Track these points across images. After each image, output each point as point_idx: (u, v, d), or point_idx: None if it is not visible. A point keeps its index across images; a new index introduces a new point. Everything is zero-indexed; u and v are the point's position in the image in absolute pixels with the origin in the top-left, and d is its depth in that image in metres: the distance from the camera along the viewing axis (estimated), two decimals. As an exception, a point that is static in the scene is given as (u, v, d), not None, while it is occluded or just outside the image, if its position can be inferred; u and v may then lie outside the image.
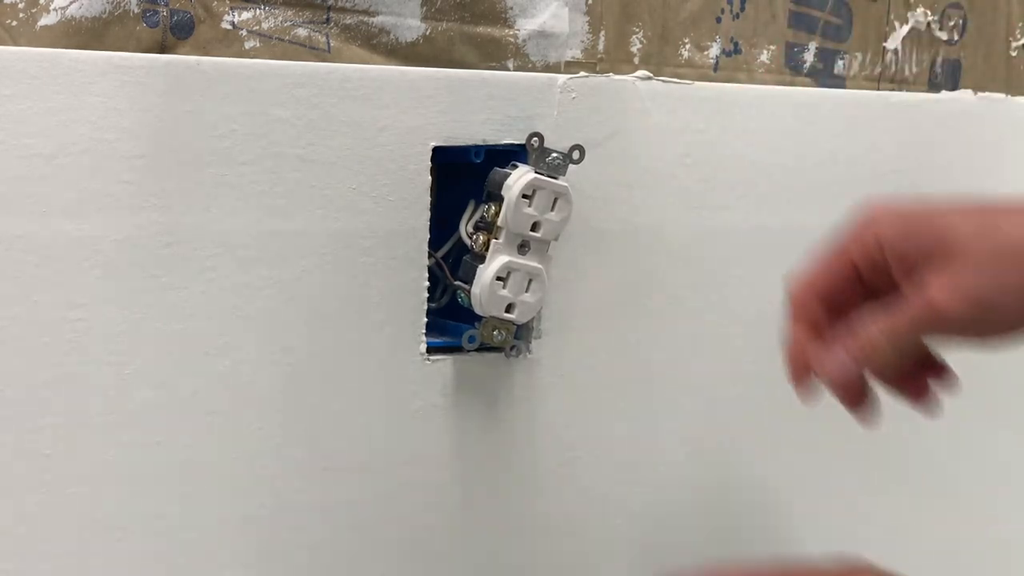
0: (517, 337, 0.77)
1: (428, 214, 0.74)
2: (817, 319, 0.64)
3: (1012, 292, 0.59)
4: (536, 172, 0.74)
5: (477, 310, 0.75)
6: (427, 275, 0.75)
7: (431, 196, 0.74)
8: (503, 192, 0.74)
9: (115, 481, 0.68)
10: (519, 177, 0.74)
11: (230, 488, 0.71)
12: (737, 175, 0.86)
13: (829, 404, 0.94)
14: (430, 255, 0.75)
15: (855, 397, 0.63)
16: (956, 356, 0.64)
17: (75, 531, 0.67)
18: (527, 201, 0.74)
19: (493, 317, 0.75)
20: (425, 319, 0.75)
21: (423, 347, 0.75)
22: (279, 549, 0.73)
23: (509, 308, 0.75)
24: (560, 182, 0.75)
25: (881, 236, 0.62)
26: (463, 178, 0.75)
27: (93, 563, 0.68)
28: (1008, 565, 1.02)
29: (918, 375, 0.64)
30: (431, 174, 0.74)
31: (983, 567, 0.99)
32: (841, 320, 0.63)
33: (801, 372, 0.64)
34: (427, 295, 0.75)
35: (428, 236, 0.74)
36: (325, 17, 0.73)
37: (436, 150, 0.74)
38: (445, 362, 0.76)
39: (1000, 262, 0.60)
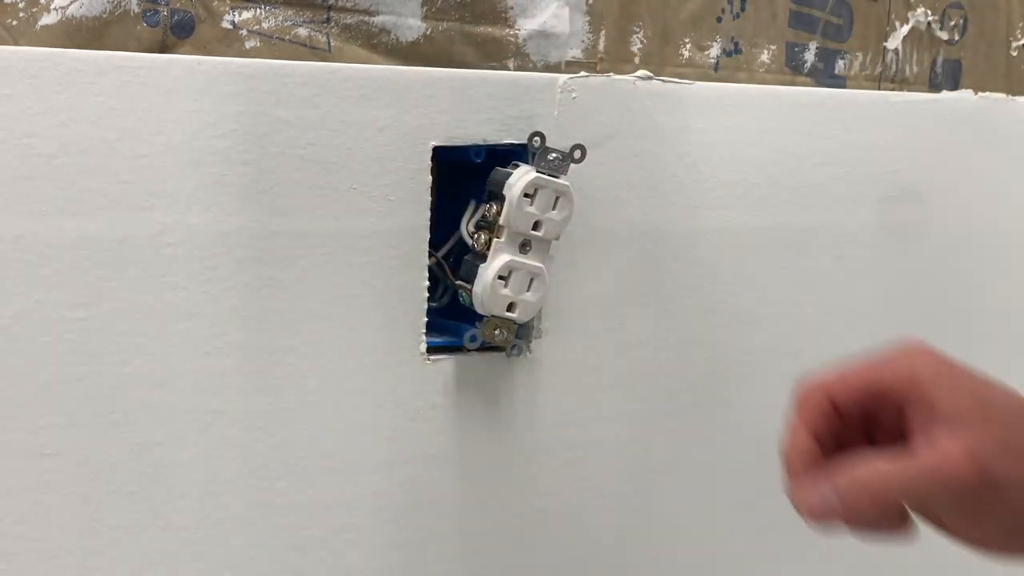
0: (518, 336, 0.77)
1: (429, 214, 0.74)
2: (820, 427, 0.60)
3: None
4: (538, 171, 0.74)
5: (479, 309, 0.75)
6: (427, 275, 0.75)
7: (432, 196, 0.74)
8: (505, 191, 0.74)
9: (115, 481, 0.68)
10: (521, 176, 0.74)
11: (230, 488, 0.71)
12: (737, 175, 0.86)
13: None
14: (431, 255, 0.75)
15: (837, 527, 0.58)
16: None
17: (75, 531, 0.67)
18: (529, 200, 0.74)
19: (495, 316, 0.75)
20: (425, 319, 0.75)
21: (423, 347, 0.75)
22: (279, 549, 0.73)
23: (510, 307, 0.75)
24: (561, 181, 0.75)
25: (917, 374, 0.58)
26: (463, 178, 0.75)
27: (93, 563, 0.68)
28: None
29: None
30: (432, 174, 0.74)
31: None
32: (838, 452, 0.59)
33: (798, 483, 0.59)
34: (427, 295, 0.75)
35: (428, 236, 0.74)
36: (325, 17, 0.73)
37: (437, 150, 0.74)
38: (445, 362, 0.76)
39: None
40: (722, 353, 0.87)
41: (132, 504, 0.68)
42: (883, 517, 0.56)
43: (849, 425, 0.60)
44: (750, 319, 0.88)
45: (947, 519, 0.57)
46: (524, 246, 0.75)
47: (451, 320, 0.77)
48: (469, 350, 0.76)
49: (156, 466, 0.68)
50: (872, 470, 0.57)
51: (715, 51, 0.88)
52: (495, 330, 0.75)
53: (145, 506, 0.68)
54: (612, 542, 0.85)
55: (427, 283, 0.75)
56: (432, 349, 0.76)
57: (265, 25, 0.71)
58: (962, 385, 0.59)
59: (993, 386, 0.59)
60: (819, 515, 0.57)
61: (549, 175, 0.74)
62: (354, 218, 0.72)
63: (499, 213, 0.74)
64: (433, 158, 0.74)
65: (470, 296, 0.75)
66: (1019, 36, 1.02)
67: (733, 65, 0.88)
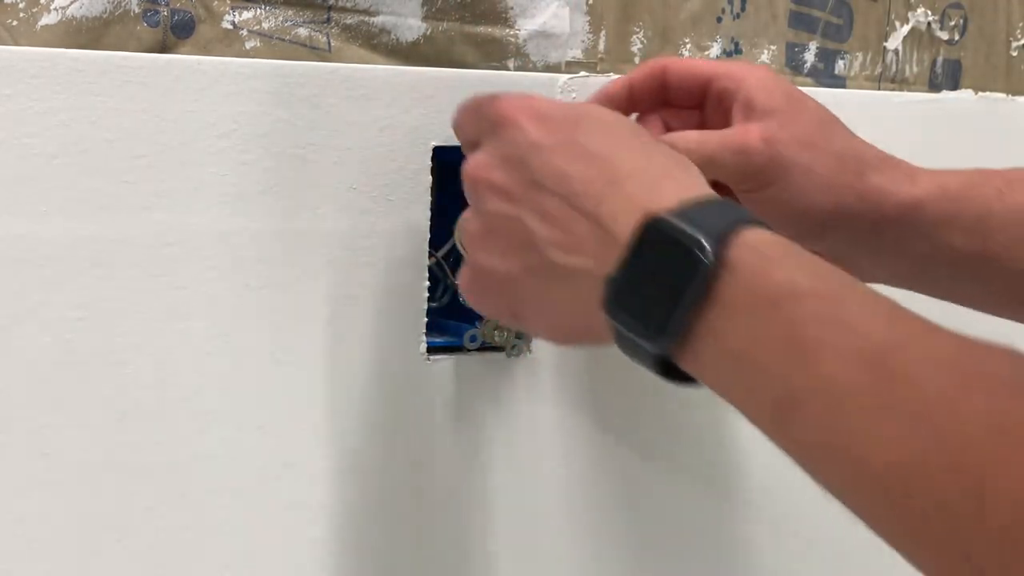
0: (518, 336, 0.77)
1: (429, 213, 0.74)
2: (644, 89, 0.72)
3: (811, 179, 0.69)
4: None
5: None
6: (427, 275, 0.75)
7: (432, 196, 0.74)
8: (505, 190, 0.74)
9: (115, 481, 0.67)
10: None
11: (230, 488, 0.71)
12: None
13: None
14: (431, 254, 0.75)
15: None
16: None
17: (75, 531, 0.67)
18: (528, 200, 0.74)
19: None
20: (425, 319, 0.75)
21: (423, 347, 0.75)
22: (279, 549, 0.73)
23: None
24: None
25: (748, 77, 0.70)
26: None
27: (93, 563, 0.68)
28: None
29: None
30: (432, 173, 0.74)
31: None
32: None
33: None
34: (427, 295, 0.75)
35: (429, 236, 0.74)
36: (326, 17, 0.73)
37: (437, 149, 0.74)
38: (445, 362, 0.76)
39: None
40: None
41: (132, 504, 0.68)
42: None
43: (679, 116, 0.71)
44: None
45: (735, 188, 0.69)
46: None
47: (451, 320, 0.77)
48: (469, 350, 0.76)
49: (156, 466, 0.68)
50: (679, 135, 0.68)
51: (715, 51, 0.88)
52: (495, 330, 0.75)
53: (145, 506, 0.68)
54: (613, 542, 0.85)
55: (427, 283, 0.75)
56: (432, 349, 0.76)
57: (265, 25, 0.71)
58: (783, 90, 0.70)
59: (810, 99, 0.71)
60: None
61: None
62: (354, 218, 0.72)
63: (499, 212, 0.74)
64: (433, 158, 0.74)
65: None
66: (1019, 36, 1.02)
67: (733, 65, 0.88)
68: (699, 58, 0.83)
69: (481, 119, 0.63)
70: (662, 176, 0.57)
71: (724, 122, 0.70)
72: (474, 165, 0.62)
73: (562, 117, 0.60)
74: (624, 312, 0.54)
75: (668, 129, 0.72)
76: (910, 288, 0.70)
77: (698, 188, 0.56)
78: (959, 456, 0.43)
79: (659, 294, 0.52)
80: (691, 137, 0.68)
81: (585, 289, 0.56)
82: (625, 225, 0.54)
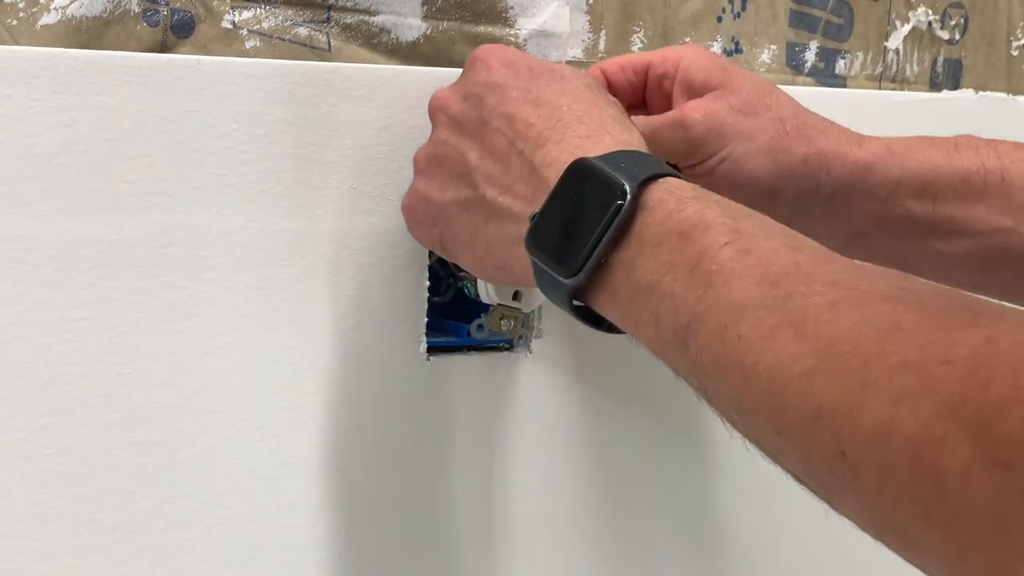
0: (524, 326, 0.77)
1: (429, 214, 0.74)
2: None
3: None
4: None
5: (484, 299, 0.75)
6: (428, 274, 0.75)
7: (432, 196, 0.74)
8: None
9: (115, 481, 0.68)
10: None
11: (230, 488, 0.71)
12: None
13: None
14: (431, 254, 0.75)
15: None
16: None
17: (75, 531, 0.67)
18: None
19: (501, 305, 0.75)
20: (426, 319, 0.75)
21: (423, 347, 0.75)
22: (279, 549, 0.73)
23: (516, 296, 0.75)
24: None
25: (683, 57, 0.72)
26: (464, 178, 0.75)
27: (93, 563, 0.68)
28: None
29: None
30: (432, 174, 0.74)
31: None
32: None
33: None
34: (428, 294, 0.75)
35: (429, 236, 0.74)
36: (326, 16, 0.73)
37: (437, 150, 0.74)
38: (445, 362, 0.76)
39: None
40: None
41: (132, 504, 0.68)
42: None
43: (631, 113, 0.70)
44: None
45: (683, 165, 0.71)
46: None
47: (452, 320, 0.77)
48: (475, 339, 0.76)
49: (156, 466, 0.68)
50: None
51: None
52: (501, 320, 0.75)
53: (145, 506, 0.68)
54: (614, 539, 0.85)
55: (427, 283, 0.75)
56: (432, 349, 0.76)
57: (265, 25, 0.71)
58: (719, 65, 0.72)
59: (748, 72, 0.73)
60: None
61: None
62: (354, 218, 0.72)
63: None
64: (433, 158, 0.74)
65: (475, 287, 0.75)
66: (1020, 36, 1.02)
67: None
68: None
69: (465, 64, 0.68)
70: (600, 130, 0.60)
71: (668, 106, 0.73)
72: (438, 96, 0.67)
73: (526, 66, 0.65)
74: (543, 248, 0.57)
75: None
76: (870, 258, 0.70)
77: (633, 144, 0.59)
78: (838, 362, 0.44)
79: (578, 231, 0.56)
80: (634, 120, 0.69)
81: (511, 228, 0.61)
82: (556, 171, 0.58)
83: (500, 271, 0.65)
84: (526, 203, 0.60)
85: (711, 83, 0.71)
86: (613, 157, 0.57)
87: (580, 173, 0.57)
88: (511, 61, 0.65)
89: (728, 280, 0.50)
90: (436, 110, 0.67)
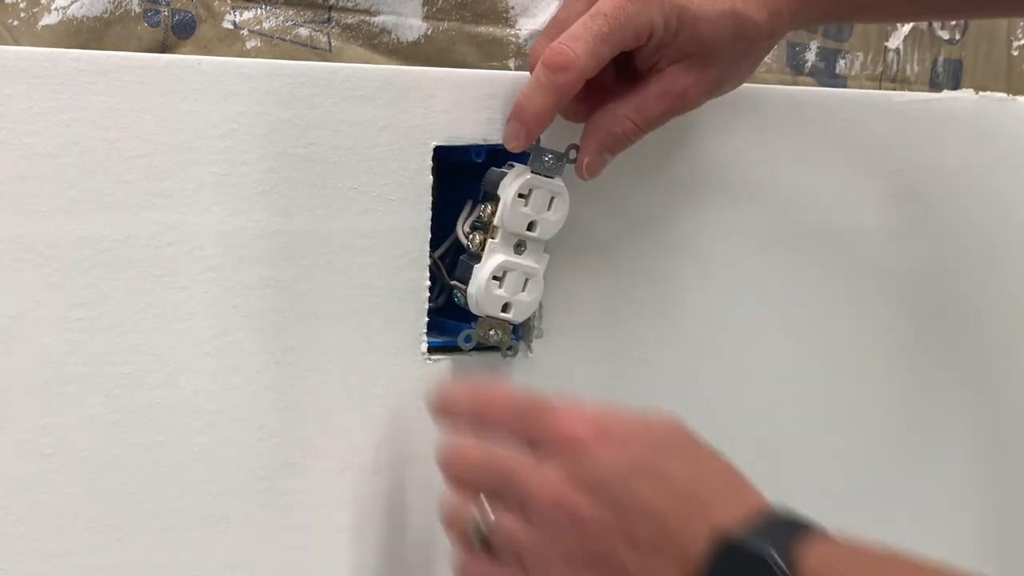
0: (515, 337, 0.77)
1: (429, 213, 0.74)
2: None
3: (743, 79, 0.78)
4: (532, 172, 0.74)
5: (473, 309, 0.75)
6: (428, 275, 0.75)
7: (432, 196, 0.74)
8: (499, 192, 0.74)
9: (115, 481, 0.68)
10: (515, 177, 0.74)
11: (230, 488, 0.71)
12: (738, 174, 0.86)
13: (833, 400, 0.94)
14: (431, 254, 0.75)
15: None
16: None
17: (75, 531, 0.67)
18: (523, 201, 0.74)
19: (490, 317, 0.75)
20: (426, 319, 0.75)
21: (424, 347, 0.75)
22: (279, 549, 0.73)
23: (505, 308, 0.75)
24: (556, 182, 0.75)
25: (655, 27, 0.71)
26: (464, 177, 0.75)
27: (93, 563, 0.68)
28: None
29: None
30: (432, 173, 0.74)
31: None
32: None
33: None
34: (428, 295, 0.75)
35: (429, 236, 0.74)
36: (326, 17, 0.73)
37: (437, 149, 0.74)
38: (445, 362, 0.76)
39: (742, 66, 0.76)
40: (723, 352, 0.87)
41: (132, 504, 0.68)
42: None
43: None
44: (750, 319, 0.88)
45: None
46: (519, 246, 0.75)
47: (451, 320, 0.77)
48: (465, 350, 0.76)
49: (156, 466, 0.68)
50: (625, 110, 0.73)
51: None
52: (490, 330, 0.75)
53: (145, 506, 0.68)
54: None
55: (428, 283, 0.75)
56: (433, 349, 0.76)
57: (266, 25, 0.71)
58: (689, 32, 0.72)
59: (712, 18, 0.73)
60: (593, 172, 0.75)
61: (544, 175, 0.74)
62: (355, 218, 0.72)
63: (494, 214, 0.74)
64: (434, 158, 0.74)
65: (465, 296, 0.75)
66: (1020, 35, 1.02)
67: (734, 65, 0.88)
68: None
69: (530, 427, 0.66)
70: (724, 492, 0.63)
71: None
72: (553, 492, 0.63)
73: (629, 436, 0.65)
74: None
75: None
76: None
77: (756, 499, 0.63)
78: None
79: None
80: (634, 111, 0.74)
81: None
82: (699, 545, 0.60)
83: None
84: None
85: (690, 50, 0.73)
86: (755, 529, 0.60)
87: (728, 552, 0.59)
88: (609, 433, 0.65)
89: None
90: (557, 508, 0.63)
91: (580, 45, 0.69)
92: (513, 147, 0.73)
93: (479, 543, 0.66)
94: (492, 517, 0.66)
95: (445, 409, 0.70)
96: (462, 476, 0.68)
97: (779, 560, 0.57)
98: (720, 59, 0.74)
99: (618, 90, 0.74)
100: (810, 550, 0.58)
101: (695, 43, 0.72)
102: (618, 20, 0.69)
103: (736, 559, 0.59)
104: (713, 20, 0.72)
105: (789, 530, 0.59)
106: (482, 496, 0.67)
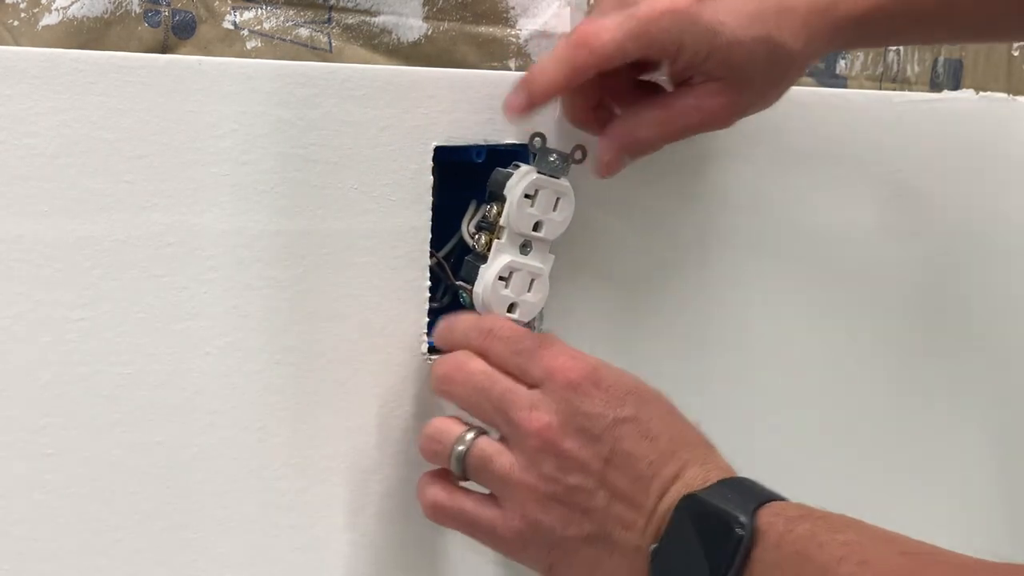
0: None
1: (429, 214, 0.74)
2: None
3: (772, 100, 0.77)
4: (538, 172, 0.74)
5: (479, 309, 0.75)
6: (428, 275, 0.75)
7: (432, 196, 0.74)
8: (505, 192, 0.74)
9: (115, 481, 0.68)
10: (521, 177, 0.74)
11: (230, 488, 0.71)
12: (738, 175, 0.86)
13: (834, 402, 0.94)
14: (431, 255, 0.75)
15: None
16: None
17: (75, 531, 0.67)
18: (529, 201, 0.74)
19: None
20: (427, 319, 0.75)
21: (424, 347, 0.75)
22: (280, 549, 0.73)
23: (511, 308, 0.75)
24: (562, 182, 0.75)
25: (683, 48, 0.71)
26: (464, 178, 0.75)
27: (93, 563, 0.68)
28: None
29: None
30: (433, 174, 0.74)
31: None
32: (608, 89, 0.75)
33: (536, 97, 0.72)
34: (428, 295, 0.75)
35: (429, 236, 0.74)
36: (327, 17, 0.73)
37: (438, 150, 0.74)
38: (446, 362, 0.76)
39: (774, 91, 0.77)
40: (723, 353, 0.87)
41: (132, 504, 0.68)
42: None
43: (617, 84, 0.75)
44: (750, 319, 0.88)
45: None
46: (525, 247, 0.75)
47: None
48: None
49: (156, 466, 0.68)
50: (647, 119, 0.74)
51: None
52: None
53: (145, 506, 0.68)
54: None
55: (428, 283, 0.75)
56: (433, 349, 0.76)
57: (266, 25, 0.71)
58: (723, 54, 0.72)
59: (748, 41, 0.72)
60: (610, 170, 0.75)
61: (550, 176, 0.74)
62: (355, 218, 0.72)
63: (500, 214, 0.74)
64: (434, 158, 0.74)
65: (471, 296, 0.75)
66: (1020, 36, 1.02)
67: (734, 65, 0.88)
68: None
69: (530, 364, 0.68)
70: (699, 457, 0.66)
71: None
72: (543, 426, 0.66)
73: (622, 389, 0.67)
74: None
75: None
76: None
77: (727, 468, 0.66)
78: None
79: (700, 562, 0.61)
80: (655, 122, 0.75)
81: (631, 560, 0.65)
82: (669, 504, 0.64)
83: None
84: (645, 537, 0.64)
85: (721, 73, 0.73)
86: (720, 490, 0.63)
87: (693, 508, 0.62)
88: (602, 382, 0.67)
89: None
90: (546, 444, 0.66)
91: (608, 34, 0.69)
92: (510, 113, 0.72)
93: (458, 466, 0.69)
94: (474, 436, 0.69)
95: (449, 338, 0.72)
96: (456, 391, 0.70)
97: (739, 517, 0.61)
98: (752, 84, 0.74)
99: (641, 104, 0.75)
100: (767, 508, 0.62)
101: (726, 68, 0.72)
102: (649, 29, 0.70)
103: (699, 516, 0.62)
104: (747, 45, 0.71)
105: (754, 495, 0.63)
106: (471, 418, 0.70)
